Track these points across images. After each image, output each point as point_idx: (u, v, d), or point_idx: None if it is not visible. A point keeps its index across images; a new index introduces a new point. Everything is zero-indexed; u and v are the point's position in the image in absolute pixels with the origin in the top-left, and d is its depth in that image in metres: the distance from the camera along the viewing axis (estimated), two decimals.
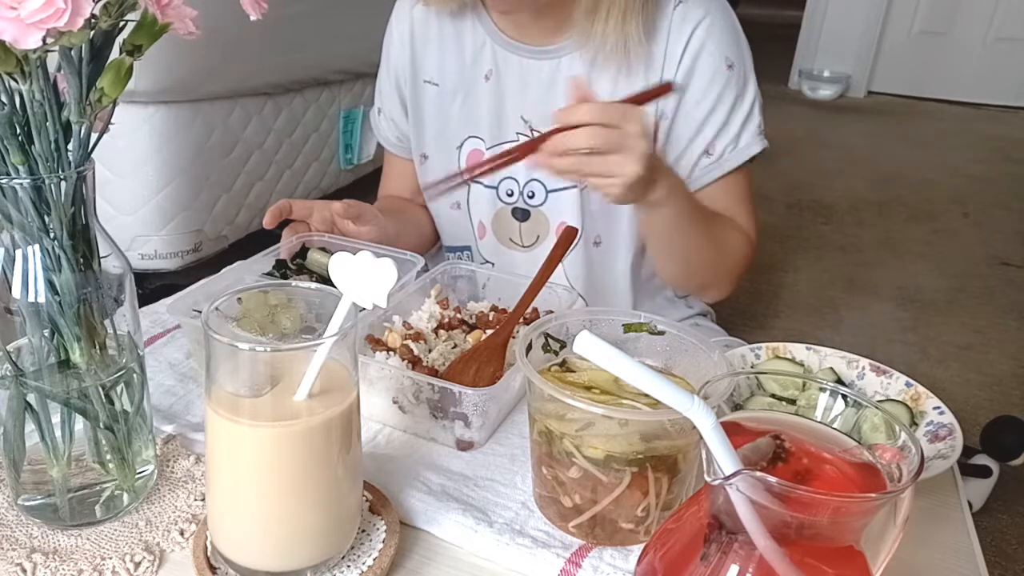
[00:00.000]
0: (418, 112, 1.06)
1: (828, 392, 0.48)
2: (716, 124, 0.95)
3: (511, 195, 1.02)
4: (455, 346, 0.73)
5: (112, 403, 0.54)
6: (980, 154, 3.49)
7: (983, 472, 1.39)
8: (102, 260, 0.52)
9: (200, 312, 0.55)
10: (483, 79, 1.00)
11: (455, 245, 1.11)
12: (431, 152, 1.07)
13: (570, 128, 0.72)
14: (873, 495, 0.40)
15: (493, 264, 1.07)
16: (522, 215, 1.03)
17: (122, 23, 0.48)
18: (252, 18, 0.51)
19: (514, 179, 1.01)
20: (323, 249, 0.89)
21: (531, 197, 1.02)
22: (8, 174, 0.47)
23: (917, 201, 2.87)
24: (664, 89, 0.83)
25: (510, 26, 0.98)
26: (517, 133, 1.00)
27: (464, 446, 0.66)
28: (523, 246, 1.05)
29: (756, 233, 1.01)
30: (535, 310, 0.76)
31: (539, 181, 1.00)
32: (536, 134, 0.97)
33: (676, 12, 0.92)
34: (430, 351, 0.71)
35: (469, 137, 1.03)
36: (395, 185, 1.15)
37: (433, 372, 0.68)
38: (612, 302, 1.05)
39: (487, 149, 1.02)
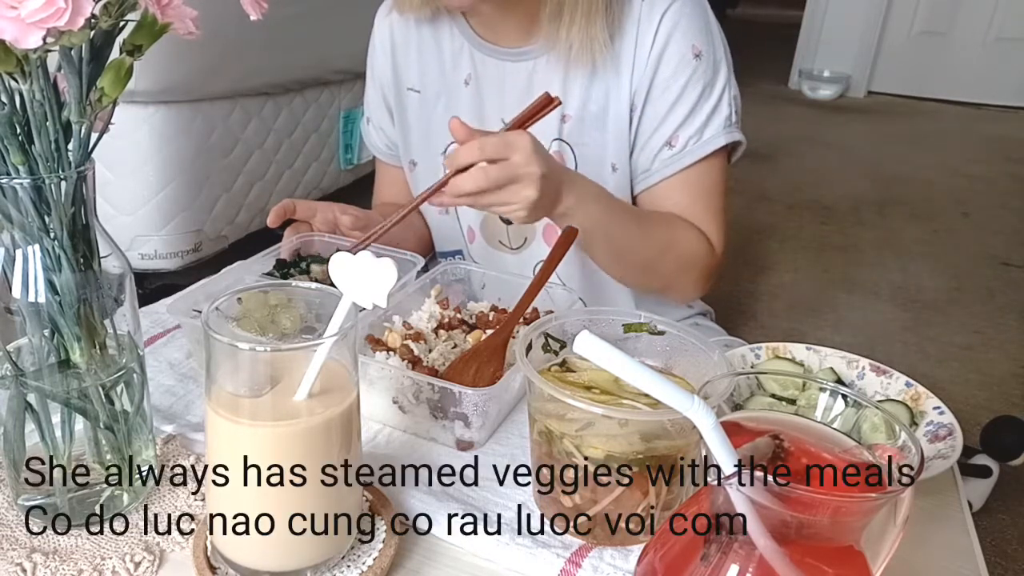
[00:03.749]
0: (403, 120, 1.07)
1: (828, 392, 0.48)
2: (680, 115, 0.92)
3: None
4: (455, 346, 0.73)
5: (112, 403, 0.54)
6: (980, 154, 3.49)
7: (983, 472, 1.39)
8: (102, 260, 0.52)
9: (200, 312, 0.55)
10: (463, 84, 1.00)
11: (447, 250, 1.11)
12: (419, 159, 1.08)
13: (463, 169, 0.73)
14: (873, 495, 0.40)
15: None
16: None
17: (122, 23, 0.48)
18: (252, 18, 0.52)
19: None
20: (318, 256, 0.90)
21: None
22: (8, 174, 0.47)
23: (917, 201, 2.88)
24: (546, 102, 0.81)
25: (485, 29, 0.98)
26: None
27: (464, 446, 0.66)
28: (512, 248, 1.05)
29: (722, 233, 0.96)
30: (535, 310, 0.76)
31: None
32: None
33: (644, 6, 0.91)
34: (430, 351, 0.71)
35: (452, 143, 1.03)
36: (389, 192, 1.16)
37: (433, 372, 0.68)
38: (611, 301, 1.05)
39: None
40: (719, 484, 0.39)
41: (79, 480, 0.55)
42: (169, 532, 0.55)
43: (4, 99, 0.47)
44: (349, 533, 0.53)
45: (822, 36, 4.55)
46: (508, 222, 1.04)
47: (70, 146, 0.49)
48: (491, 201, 0.75)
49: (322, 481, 0.49)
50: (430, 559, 0.55)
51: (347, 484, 0.51)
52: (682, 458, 0.54)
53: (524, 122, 0.80)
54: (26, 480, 0.55)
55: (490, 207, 0.77)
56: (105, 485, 0.56)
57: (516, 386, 0.71)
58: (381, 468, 0.62)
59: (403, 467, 0.63)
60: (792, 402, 0.61)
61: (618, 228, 0.87)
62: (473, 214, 1.05)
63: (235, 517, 0.50)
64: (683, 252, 0.94)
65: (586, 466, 0.53)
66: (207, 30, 0.50)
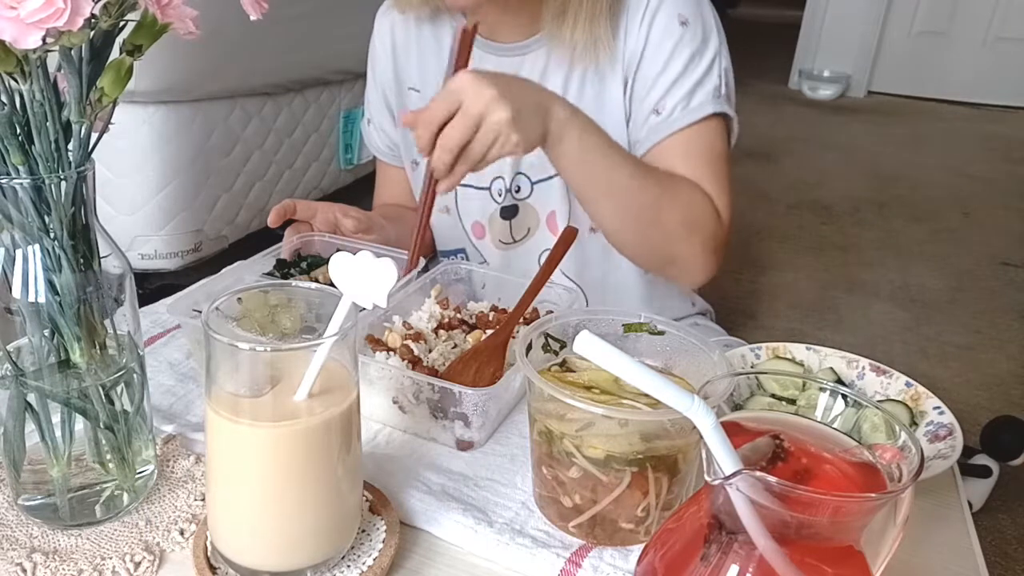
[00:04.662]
0: None
1: (828, 392, 0.48)
2: (667, 81, 0.91)
3: (500, 195, 1.03)
4: (455, 346, 0.73)
5: (112, 403, 0.54)
6: (980, 154, 3.49)
7: (983, 472, 1.39)
8: (102, 260, 0.52)
9: (200, 312, 0.55)
10: None
11: (448, 249, 1.11)
12: (420, 159, 1.07)
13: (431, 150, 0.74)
14: (873, 495, 0.40)
15: (487, 264, 1.07)
16: (510, 212, 1.03)
17: (122, 23, 0.48)
18: (252, 18, 0.52)
19: (501, 178, 1.01)
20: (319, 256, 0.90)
21: (517, 192, 1.02)
22: (8, 174, 0.47)
23: (917, 201, 2.88)
24: (467, 34, 0.79)
25: (485, 27, 0.97)
26: None
27: (464, 446, 0.66)
28: (515, 241, 1.05)
29: (726, 200, 0.93)
30: (535, 310, 0.76)
31: (524, 175, 1.00)
32: None
33: None
34: (430, 351, 0.71)
35: None
36: (390, 193, 1.16)
37: (433, 372, 0.68)
38: (617, 292, 1.05)
39: None
40: (719, 484, 0.39)
41: (79, 480, 0.55)
42: (169, 532, 0.55)
43: (4, 99, 0.47)
44: (349, 533, 0.53)
45: (822, 36, 4.55)
46: (508, 217, 1.03)
47: (70, 146, 0.49)
48: (479, 151, 0.74)
49: (322, 481, 0.49)
50: (430, 559, 0.55)
51: (347, 484, 0.51)
52: (682, 458, 0.54)
53: (458, 66, 0.80)
54: (26, 480, 0.55)
55: (486, 158, 0.75)
56: (105, 485, 0.56)
57: (516, 386, 0.71)
58: (381, 468, 0.62)
59: (403, 467, 0.63)
60: (792, 402, 0.60)
61: (613, 158, 0.85)
62: (476, 211, 1.04)
63: (235, 517, 0.50)
64: (686, 204, 0.90)
65: (586, 466, 0.53)
66: (207, 30, 0.50)
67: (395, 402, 0.68)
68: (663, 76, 0.92)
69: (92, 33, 0.46)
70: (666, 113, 0.92)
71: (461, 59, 0.80)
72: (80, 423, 0.54)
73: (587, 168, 0.84)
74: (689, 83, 0.91)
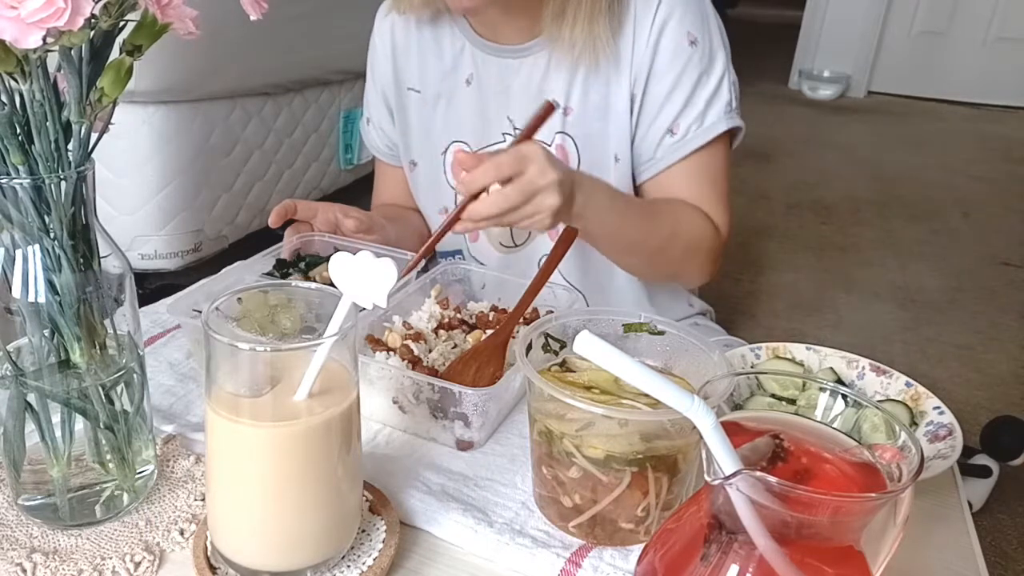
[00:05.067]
0: (404, 120, 1.07)
1: (828, 392, 0.48)
2: (679, 102, 0.93)
3: None
4: (455, 346, 0.73)
5: (112, 403, 0.54)
6: (980, 154, 3.49)
7: (983, 472, 1.39)
8: (102, 260, 0.52)
9: (200, 312, 0.55)
10: (464, 83, 1.01)
11: (446, 250, 1.11)
12: (419, 159, 1.08)
13: (478, 194, 0.73)
14: (873, 495, 0.40)
15: (484, 266, 1.07)
16: None
17: (122, 23, 0.48)
18: (252, 18, 0.52)
19: None
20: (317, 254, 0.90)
21: None
22: (8, 174, 0.47)
23: (917, 201, 2.88)
24: (548, 110, 0.81)
25: (486, 29, 0.98)
26: (503, 134, 1.00)
27: (464, 446, 0.66)
28: (516, 245, 1.05)
29: (727, 216, 0.97)
30: (535, 310, 0.76)
31: None
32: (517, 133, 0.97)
33: (639, 1, 0.92)
34: (430, 351, 0.71)
35: (453, 142, 1.03)
36: (389, 193, 1.16)
37: (433, 372, 0.68)
38: (614, 299, 1.05)
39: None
40: (719, 484, 0.39)
41: (79, 480, 0.55)
42: (169, 532, 0.55)
43: (4, 99, 0.47)
44: (349, 533, 0.53)
45: (822, 36, 4.55)
46: None
47: (70, 146, 0.49)
48: (514, 218, 0.75)
49: (322, 481, 0.49)
50: (430, 559, 0.55)
51: (347, 484, 0.51)
52: (682, 458, 0.54)
53: (531, 132, 0.80)
54: (26, 480, 0.55)
55: (514, 224, 0.77)
56: (105, 485, 0.56)
57: (516, 386, 0.71)
58: (381, 468, 0.62)
59: (403, 467, 0.63)
60: (792, 402, 0.60)
61: (626, 220, 0.88)
62: None
63: (235, 517, 0.50)
64: (690, 237, 0.95)
65: (586, 466, 0.53)
66: (207, 30, 0.50)
67: (395, 402, 0.68)
68: (675, 96, 0.93)
69: (92, 33, 0.46)
70: (681, 133, 0.94)
71: (534, 128, 0.81)
72: (80, 423, 0.54)
73: (602, 231, 0.87)
74: (701, 102, 0.93)
